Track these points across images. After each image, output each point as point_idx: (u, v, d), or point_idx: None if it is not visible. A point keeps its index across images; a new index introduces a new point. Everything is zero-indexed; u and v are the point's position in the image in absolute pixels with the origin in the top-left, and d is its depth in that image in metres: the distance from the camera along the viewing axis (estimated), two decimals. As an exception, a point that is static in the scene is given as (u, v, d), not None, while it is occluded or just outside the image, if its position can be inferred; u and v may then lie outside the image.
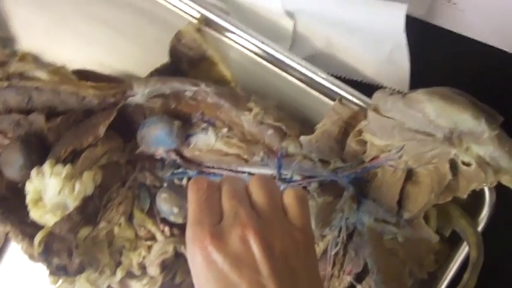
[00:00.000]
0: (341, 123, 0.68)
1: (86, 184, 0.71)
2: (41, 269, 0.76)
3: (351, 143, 0.67)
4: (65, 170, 0.70)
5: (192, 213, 0.53)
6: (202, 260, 0.49)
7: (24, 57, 0.75)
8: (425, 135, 0.61)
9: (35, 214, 0.73)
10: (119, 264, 0.75)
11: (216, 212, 0.52)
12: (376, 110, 0.64)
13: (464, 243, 0.70)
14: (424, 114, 0.60)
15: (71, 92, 0.72)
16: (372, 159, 0.66)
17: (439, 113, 0.59)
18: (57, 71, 0.74)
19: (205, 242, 0.49)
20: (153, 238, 0.76)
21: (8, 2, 0.87)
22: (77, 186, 0.71)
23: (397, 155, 0.64)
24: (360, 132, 0.66)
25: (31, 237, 0.75)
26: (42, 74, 0.73)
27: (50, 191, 0.71)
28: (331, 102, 0.73)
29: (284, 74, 0.76)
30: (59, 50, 0.84)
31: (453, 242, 0.71)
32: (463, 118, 0.59)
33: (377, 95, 0.64)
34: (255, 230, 0.49)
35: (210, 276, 0.49)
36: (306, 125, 0.74)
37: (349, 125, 0.68)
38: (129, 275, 0.76)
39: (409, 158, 0.64)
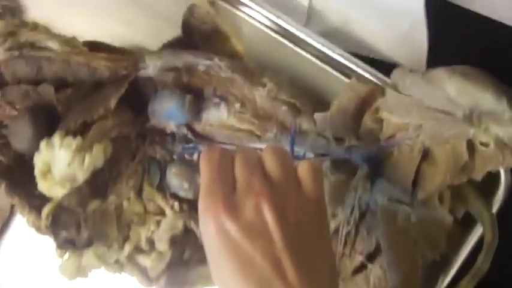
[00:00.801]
0: (357, 100, 0.67)
1: (96, 157, 0.70)
2: (46, 242, 0.75)
3: (367, 121, 0.66)
4: (75, 142, 0.69)
5: (205, 183, 0.52)
6: (215, 230, 0.49)
7: (36, 26, 0.74)
8: (444, 114, 0.60)
9: (43, 186, 0.72)
10: (127, 238, 0.74)
11: (229, 182, 0.52)
12: (395, 87, 0.62)
13: (478, 226, 0.68)
14: (445, 92, 0.59)
15: (82, 63, 0.71)
16: (388, 138, 0.65)
17: (459, 91, 0.58)
18: (69, 42, 0.72)
19: (218, 212, 0.49)
20: (162, 213, 0.75)
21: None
22: (87, 159, 0.70)
23: (414, 134, 0.63)
24: (377, 110, 0.65)
25: (38, 210, 0.75)
26: (53, 44, 0.71)
27: (60, 163, 0.70)
28: (346, 80, 0.72)
29: (298, 50, 0.75)
30: (69, 20, 0.82)
31: (466, 224, 0.70)
32: (484, 97, 0.58)
33: (396, 72, 0.64)
34: (269, 199, 0.49)
35: (222, 246, 0.48)
36: (319, 102, 0.73)
37: (365, 103, 0.67)
38: (137, 249, 0.75)
39: (426, 137, 0.63)
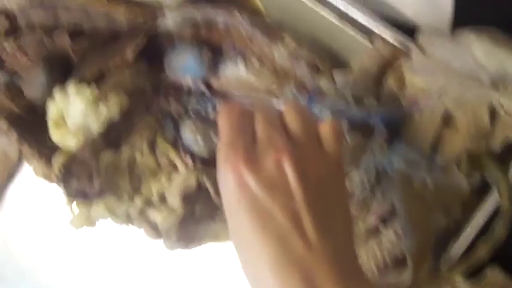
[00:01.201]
0: (381, 62, 0.66)
1: (111, 107, 0.70)
2: (52, 191, 0.76)
3: (389, 83, 0.66)
4: (90, 90, 0.68)
5: (225, 135, 0.51)
6: (234, 182, 0.48)
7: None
8: (470, 78, 0.59)
9: (55, 135, 0.72)
10: (138, 191, 0.74)
11: (249, 136, 0.51)
12: (421, 49, 0.62)
13: (492, 194, 0.68)
14: (472, 54, 0.59)
15: (101, 13, 0.70)
16: (410, 100, 0.64)
17: (487, 54, 0.58)
18: (87, -11, 0.71)
19: (238, 164, 0.48)
20: (174, 168, 0.74)
21: None
22: (102, 109, 0.69)
23: (437, 96, 0.62)
24: (401, 72, 0.64)
25: (48, 159, 0.74)
26: (73, -8, 0.70)
27: (74, 112, 0.70)
28: (366, 41, 0.71)
29: (318, 9, 0.73)
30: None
31: (480, 192, 0.69)
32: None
33: (424, 34, 0.63)
34: (290, 155, 0.48)
35: (241, 198, 0.48)
36: (337, 62, 0.73)
37: (388, 65, 0.66)
38: (148, 203, 0.74)
39: (449, 101, 0.63)
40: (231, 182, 0.48)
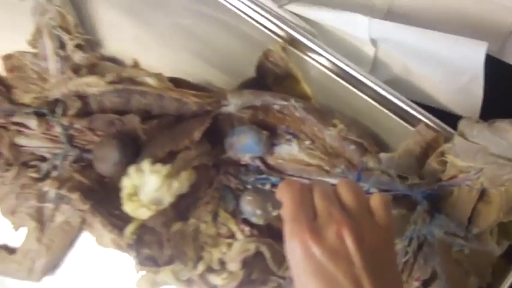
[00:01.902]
0: (423, 144, 0.76)
1: (182, 183, 0.78)
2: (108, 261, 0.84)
3: (432, 162, 0.75)
4: (165, 169, 0.77)
5: (289, 211, 0.59)
6: (302, 252, 0.56)
7: (136, 64, 0.82)
8: (506, 160, 0.69)
9: (128, 207, 0.79)
10: (200, 258, 0.81)
11: (310, 210, 0.59)
12: (462, 135, 0.72)
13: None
14: (508, 140, 0.68)
15: (175, 98, 0.79)
16: (450, 178, 0.74)
17: (521, 139, 0.68)
18: (160, 78, 0.80)
19: (305, 237, 0.56)
20: (232, 236, 0.82)
21: (96, 6, 0.94)
22: (175, 184, 0.77)
23: (475, 176, 0.72)
24: (442, 153, 0.74)
25: (118, 228, 0.81)
26: (151, 80, 0.79)
27: (148, 187, 0.77)
28: (407, 125, 0.81)
29: (363, 95, 0.84)
30: (145, 56, 0.90)
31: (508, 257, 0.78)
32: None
33: (464, 121, 0.73)
34: (349, 227, 0.56)
35: (308, 267, 0.55)
36: (380, 144, 0.82)
37: (430, 147, 0.76)
38: (209, 269, 0.82)
39: (486, 180, 0.72)
40: (299, 252, 0.56)
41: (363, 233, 0.57)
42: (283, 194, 0.61)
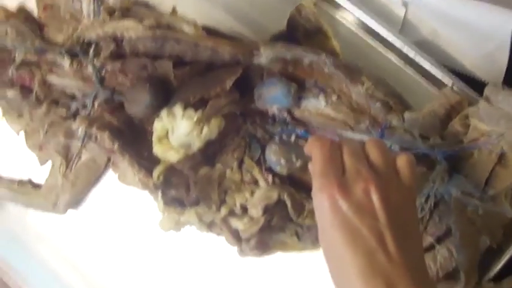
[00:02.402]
0: (448, 106, 0.78)
1: (212, 129, 0.80)
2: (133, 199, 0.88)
3: (455, 124, 0.77)
4: (196, 114, 0.79)
5: (319, 166, 0.61)
6: (329, 206, 0.58)
7: (175, 11, 0.84)
8: (528, 127, 0.72)
9: (158, 149, 0.82)
10: (223, 202, 0.84)
11: (339, 166, 0.61)
12: (487, 99, 0.74)
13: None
14: (531, 107, 0.71)
15: (209, 47, 0.81)
16: (472, 140, 0.77)
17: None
18: (196, 26, 0.82)
19: (333, 191, 0.58)
20: (255, 183, 0.85)
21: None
22: (205, 130, 0.80)
23: (496, 140, 0.75)
24: (466, 117, 0.77)
25: (146, 169, 0.84)
26: (188, 28, 0.81)
27: (179, 131, 0.80)
28: (431, 88, 0.84)
29: (390, 56, 0.87)
30: (179, 3, 0.91)
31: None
32: None
33: (490, 87, 0.75)
34: (375, 184, 0.59)
35: (335, 220, 0.58)
36: (406, 104, 0.84)
37: (454, 109, 0.79)
38: (231, 213, 0.85)
39: (506, 144, 0.75)
40: (327, 205, 0.59)
41: (389, 191, 0.59)
42: (313, 149, 0.63)
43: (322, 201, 0.59)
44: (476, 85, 0.81)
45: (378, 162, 0.61)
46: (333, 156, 0.61)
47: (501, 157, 0.77)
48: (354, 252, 0.56)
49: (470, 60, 0.85)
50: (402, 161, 0.62)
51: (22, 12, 0.94)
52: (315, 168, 0.61)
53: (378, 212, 0.57)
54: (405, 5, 0.86)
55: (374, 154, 0.62)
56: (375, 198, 0.58)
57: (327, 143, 0.62)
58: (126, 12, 0.90)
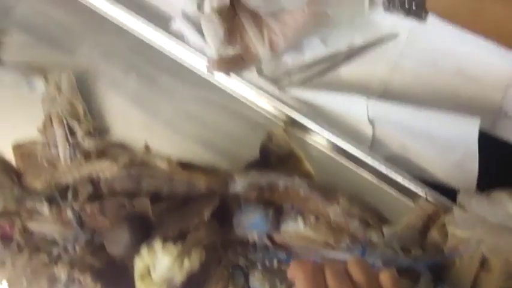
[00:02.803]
0: (424, 217, 0.79)
1: (193, 261, 0.80)
2: None
3: (434, 234, 0.78)
4: (176, 249, 0.79)
5: None
6: None
7: (148, 148, 0.85)
8: (504, 229, 0.73)
9: (141, 286, 0.81)
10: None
11: None
12: (461, 206, 0.75)
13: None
14: (506, 211, 0.72)
15: (185, 180, 0.82)
16: (452, 249, 0.77)
17: (519, 210, 0.71)
18: (170, 161, 0.83)
19: None
20: (242, 314, 0.84)
21: (104, 94, 0.99)
22: (186, 263, 0.79)
23: (476, 246, 0.75)
24: (444, 225, 0.77)
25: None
26: (162, 164, 0.82)
27: (161, 267, 0.79)
28: (406, 200, 0.85)
29: (362, 173, 0.88)
30: (152, 142, 0.94)
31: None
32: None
33: (463, 194, 0.77)
34: None
35: None
36: (383, 219, 0.85)
37: (430, 219, 0.79)
38: None
39: (486, 248, 0.75)
40: None
41: None
42: (295, 273, 0.63)
43: None
44: (450, 193, 0.82)
45: (361, 281, 0.61)
46: (316, 279, 0.62)
47: (483, 262, 0.76)
48: None
49: (441, 169, 0.87)
50: (385, 278, 0.62)
51: (0, 162, 0.94)
52: None
53: None
54: (372, 123, 0.88)
55: (357, 274, 0.62)
56: None
57: (308, 267, 0.63)
58: (101, 154, 0.91)
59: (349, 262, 0.63)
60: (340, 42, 0.95)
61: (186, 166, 0.88)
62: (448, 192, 0.83)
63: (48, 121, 0.95)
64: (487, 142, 0.86)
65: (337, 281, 0.61)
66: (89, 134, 0.94)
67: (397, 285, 0.62)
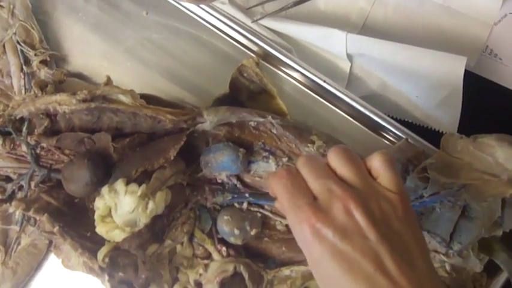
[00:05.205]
0: (404, 160, 0.74)
1: (158, 203, 0.75)
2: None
3: (414, 179, 0.73)
4: (140, 189, 0.74)
5: (286, 199, 0.55)
6: (313, 238, 0.52)
7: (110, 81, 0.79)
8: (490, 176, 0.68)
9: (101, 229, 0.76)
10: (176, 280, 0.79)
11: (307, 192, 0.55)
12: (445, 150, 0.71)
13: (501, 274, 0.77)
14: (493, 157, 0.68)
15: (149, 116, 0.76)
16: (432, 194, 0.73)
17: (507, 157, 0.67)
18: (133, 95, 0.77)
19: (312, 220, 0.52)
20: (209, 257, 0.80)
21: (62, 20, 0.92)
22: (150, 205, 0.74)
23: (458, 192, 0.71)
24: (424, 169, 0.73)
25: (90, 251, 0.78)
26: (125, 98, 0.76)
27: (123, 208, 0.74)
28: (384, 141, 0.80)
29: (337, 110, 0.83)
30: (113, 72, 0.86)
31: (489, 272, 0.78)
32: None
33: (447, 137, 0.72)
34: (354, 200, 0.52)
35: (324, 252, 0.52)
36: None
37: (410, 163, 0.75)
38: (185, 291, 0.79)
39: (468, 196, 0.71)
40: (310, 238, 0.52)
41: (369, 201, 0.53)
42: (273, 186, 0.58)
43: (304, 234, 0.53)
44: (431, 136, 0.77)
45: (347, 174, 0.55)
46: (296, 183, 0.56)
47: (464, 209, 0.72)
48: (353, 279, 0.50)
49: (423, 109, 0.82)
50: (376, 162, 0.57)
51: None
52: (283, 204, 0.56)
53: (366, 230, 0.52)
54: (350, 58, 0.82)
55: (340, 166, 0.56)
56: (358, 215, 0.52)
57: (283, 174, 0.57)
58: (58, 86, 0.84)
59: (329, 154, 0.57)
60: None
61: (150, 100, 0.82)
62: (430, 136, 0.78)
63: (1, 48, 0.87)
64: (471, 82, 0.81)
65: (322, 181, 0.55)
66: (45, 63, 0.88)
67: (393, 168, 0.57)
